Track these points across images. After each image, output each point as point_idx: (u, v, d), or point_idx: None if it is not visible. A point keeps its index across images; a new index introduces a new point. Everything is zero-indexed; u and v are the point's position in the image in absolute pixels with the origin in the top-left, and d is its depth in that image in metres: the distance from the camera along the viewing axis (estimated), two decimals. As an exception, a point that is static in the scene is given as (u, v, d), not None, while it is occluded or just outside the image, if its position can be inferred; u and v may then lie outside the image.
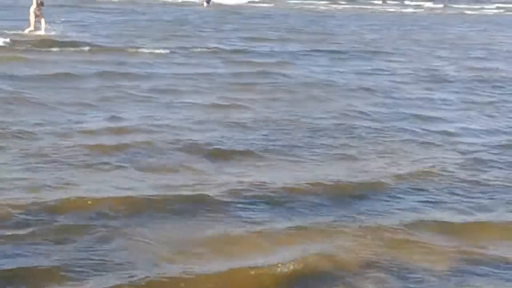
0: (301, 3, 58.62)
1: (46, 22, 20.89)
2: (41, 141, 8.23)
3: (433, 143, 9.28)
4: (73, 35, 20.31)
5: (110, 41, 19.28)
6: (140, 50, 17.68)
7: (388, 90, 13.64)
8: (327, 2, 62.53)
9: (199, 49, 18.60)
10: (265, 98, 12.13)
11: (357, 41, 23.54)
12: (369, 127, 10.05)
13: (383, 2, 70.20)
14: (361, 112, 11.14)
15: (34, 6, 20.84)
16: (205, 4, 43.74)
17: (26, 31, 20.68)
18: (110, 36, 20.79)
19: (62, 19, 23.00)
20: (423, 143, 9.31)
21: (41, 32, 20.58)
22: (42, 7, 20.93)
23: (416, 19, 42.26)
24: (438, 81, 15.33)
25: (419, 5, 66.43)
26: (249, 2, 58.12)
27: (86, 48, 17.36)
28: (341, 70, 16.29)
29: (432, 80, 15.39)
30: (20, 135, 8.42)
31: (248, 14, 37.83)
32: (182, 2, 50.53)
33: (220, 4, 48.37)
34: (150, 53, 17.30)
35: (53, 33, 20.43)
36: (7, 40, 17.20)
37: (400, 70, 16.67)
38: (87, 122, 9.41)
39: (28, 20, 20.91)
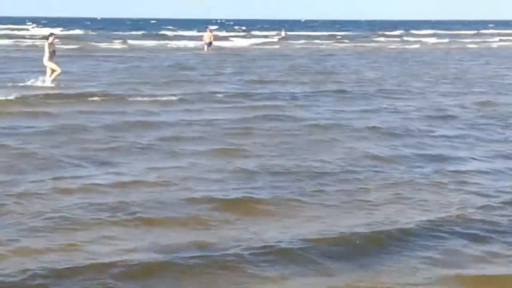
0: (304, 43, 59.10)
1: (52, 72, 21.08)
2: (44, 199, 8.12)
3: (445, 186, 9.07)
4: (79, 85, 20.37)
5: (114, 90, 19.25)
6: (143, 98, 17.66)
7: (393, 129, 13.53)
8: (330, 42, 63.13)
9: (201, 95, 18.60)
10: (270, 142, 12.02)
11: (359, 80, 23.57)
12: (378, 170, 9.91)
13: (384, 38, 70.85)
14: (367, 154, 11.01)
15: (47, 55, 21.03)
16: (205, 48, 43.87)
17: (52, 76, 20.89)
18: (114, 85, 20.80)
19: (66, 68, 23.11)
20: (434, 185, 9.13)
21: (48, 81, 20.76)
22: (54, 55, 21.17)
23: (418, 54, 42.43)
24: (443, 118, 15.23)
25: (420, 41, 66.97)
26: (251, 44, 58.68)
27: (92, 98, 17.31)
28: (344, 110, 16.25)
29: (437, 117, 15.29)
30: (23, 194, 8.31)
31: (250, 56, 38.05)
32: (183, 47, 50.98)
33: (221, 47, 48.70)
34: (153, 100, 17.28)
35: (61, 84, 20.59)
36: (17, 94, 17.13)
37: (404, 108, 16.60)
38: (92, 177, 9.29)
39: (46, 69, 21.16)
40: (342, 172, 9.76)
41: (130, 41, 57.96)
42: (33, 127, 13.11)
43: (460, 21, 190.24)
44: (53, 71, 20.97)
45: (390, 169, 9.99)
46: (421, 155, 11.10)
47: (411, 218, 7.63)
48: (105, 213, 7.62)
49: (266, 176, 9.46)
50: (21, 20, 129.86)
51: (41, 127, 13.08)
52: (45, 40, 21.79)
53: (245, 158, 10.70)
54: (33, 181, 8.93)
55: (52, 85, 20.51)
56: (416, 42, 65.25)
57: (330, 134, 12.85)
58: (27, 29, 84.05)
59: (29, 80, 20.77)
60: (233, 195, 8.47)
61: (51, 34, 22.15)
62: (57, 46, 21.40)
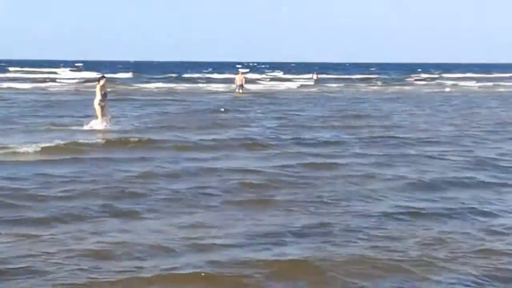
0: (341, 86, 58.65)
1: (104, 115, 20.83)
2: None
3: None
4: (120, 129, 20.22)
5: (151, 134, 18.73)
6: (185, 144, 17.07)
7: (439, 181, 12.65)
8: (364, 84, 62.73)
9: (240, 140, 17.92)
10: (314, 196, 11.24)
11: (394, 125, 22.91)
12: (431, 229, 9.08)
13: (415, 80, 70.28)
14: (416, 210, 10.19)
15: (98, 97, 20.75)
16: (238, 90, 44.20)
17: (93, 123, 20.55)
18: (150, 130, 20.20)
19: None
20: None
21: (103, 124, 20.51)
22: (106, 98, 20.86)
23: (450, 98, 41.74)
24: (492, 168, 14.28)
25: (456, 84, 66.28)
26: (286, 87, 58.46)
27: (157, 145, 16.81)
28: (376, 158, 15.31)
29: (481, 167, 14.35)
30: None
31: (284, 99, 37.65)
32: (215, 90, 50.99)
33: (254, 91, 48.68)
34: (193, 145, 16.75)
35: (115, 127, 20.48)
36: (59, 141, 16.57)
37: (448, 157, 15.71)
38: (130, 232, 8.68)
39: (95, 113, 20.86)
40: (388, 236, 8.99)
41: (164, 84, 58.15)
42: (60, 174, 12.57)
43: (494, 65, 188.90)
44: (102, 114, 20.66)
45: (452, 231, 9.08)
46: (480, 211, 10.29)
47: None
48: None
49: (316, 236, 8.72)
50: (49, 63, 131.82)
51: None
52: (97, 83, 21.38)
53: (294, 215, 9.92)
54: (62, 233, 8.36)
55: (103, 127, 20.32)
56: (453, 85, 64.70)
57: (372, 186, 12.00)
58: (58, 73, 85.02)
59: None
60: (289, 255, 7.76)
61: (103, 76, 21.61)
62: (108, 89, 21.10)
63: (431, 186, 12.04)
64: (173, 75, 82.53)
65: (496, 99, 40.54)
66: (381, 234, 8.69)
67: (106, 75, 23.11)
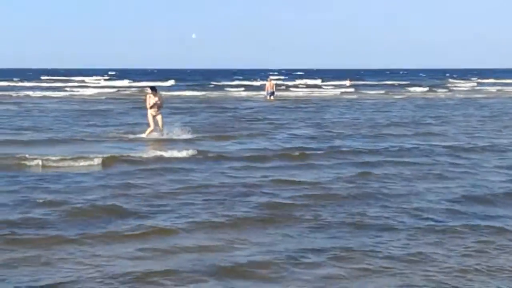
0: (378, 93, 58.30)
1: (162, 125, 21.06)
2: None
3: None
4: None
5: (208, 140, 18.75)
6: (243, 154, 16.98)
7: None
8: (401, 90, 62.18)
9: (283, 150, 17.72)
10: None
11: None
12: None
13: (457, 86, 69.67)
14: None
15: (148, 107, 20.99)
16: (269, 97, 44.61)
17: (146, 133, 20.81)
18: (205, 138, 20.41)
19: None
20: None
21: (152, 134, 20.76)
22: (160, 109, 21.05)
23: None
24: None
25: (502, 90, 65.46)
26: (321, 93, 58.36)
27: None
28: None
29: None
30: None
31: (315, 107, 37.56)
32: (246, 96, 51.18)
33: (279, 97, 48.79)
34: (242, 157, 16.67)
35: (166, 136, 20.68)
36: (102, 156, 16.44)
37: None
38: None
39: (147, 122, 21.12)
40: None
41: (198, 92, 58.33)
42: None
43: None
44: (154, 124, 20.94)
45: None
46: None
47: None
48: None
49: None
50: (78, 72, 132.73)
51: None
52: (147, 94, 21.65)
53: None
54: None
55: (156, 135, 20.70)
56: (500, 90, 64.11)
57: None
58: (90, 82, 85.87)
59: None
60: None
61: (150, 87, 21.87)
62: (158, 100, 21.24)
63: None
64: (204, 82, 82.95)
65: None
66: None
67: (154, 85, 23.60)
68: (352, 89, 65.27)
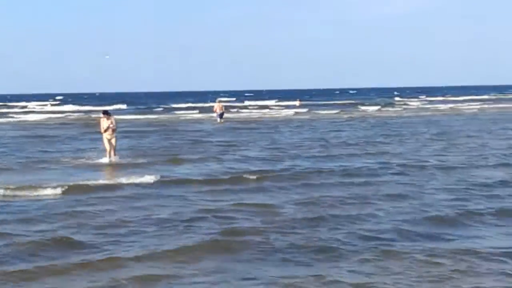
0: (330, 113, 58.64)
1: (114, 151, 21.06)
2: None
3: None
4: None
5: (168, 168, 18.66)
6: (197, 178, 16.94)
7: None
8: (336, 111, 62.75)
9: (231, 174, 17.61)
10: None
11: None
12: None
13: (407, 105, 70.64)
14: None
15: (102, 131, 21.00)
16: (218, 119, 44.69)
17: (104, 158, 20.81)
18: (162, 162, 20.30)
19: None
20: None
21: (108, 159, 20.79)
22: (114, 132, 21.03)
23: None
24: None
25: (454, 107, 66.48)
26: (270, 113, 58.51)
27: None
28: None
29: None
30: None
31: (267, 128, 37.62)
32: (195, 118, 51.13)
33: (232, 118, 48.81)
34: (191, 180, 16.57)
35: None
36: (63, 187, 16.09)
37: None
38: None
39: (104, 147, 21.13)
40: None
41: (140, 116, 57.94)
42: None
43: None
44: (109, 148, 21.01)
45: None
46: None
47: None
48: None
49: None
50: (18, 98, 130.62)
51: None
52: (101, 117, 21.68)
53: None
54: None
55: (108, 161, 20.74)
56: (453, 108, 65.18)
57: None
58: (34, 107, 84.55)
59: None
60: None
61: (103, 111, 22.02)
62: (111, 123, 21.15)
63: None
64: (153, 105, 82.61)
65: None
66: None
67: (106, 109, 23.53)
68: (305, 109, 65.57)
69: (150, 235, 10.54)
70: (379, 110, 64.81)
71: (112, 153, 20.98)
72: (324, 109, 66.06)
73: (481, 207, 12.49)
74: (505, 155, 21.10)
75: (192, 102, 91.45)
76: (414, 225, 11.01)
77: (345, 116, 52.86)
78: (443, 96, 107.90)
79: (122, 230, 10.86)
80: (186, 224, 11.29)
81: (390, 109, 67.46)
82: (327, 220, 11.50)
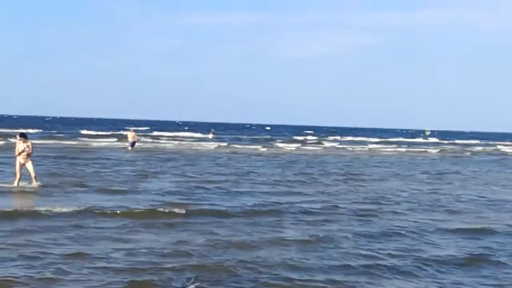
0: (243, 148, 58.75)
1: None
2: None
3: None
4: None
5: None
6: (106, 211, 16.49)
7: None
8: (260, 146, 63.15)
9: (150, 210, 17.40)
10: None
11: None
12: None
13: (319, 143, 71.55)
14: None
15: (19, 153, 20.48)
16: (129, 147, 44.88)
17: (14, 183, 20.28)
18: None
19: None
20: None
21: (17, 184, 20.27)
22: (29, 156, 20.50)
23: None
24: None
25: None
26: (182, 144, 58.19)
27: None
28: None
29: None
30: None
31: (190, 158, 37.49)
32: (105, 146, 50.39)
33: (148, 148, 48.40)
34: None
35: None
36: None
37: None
38: None
39: (15, 171, 20.61)
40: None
41: (56, 141, 56.72)
42: None
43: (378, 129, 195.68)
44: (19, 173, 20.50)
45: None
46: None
47: None
48: None
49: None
50: None
51: None
52: (18, 139, 21.06)
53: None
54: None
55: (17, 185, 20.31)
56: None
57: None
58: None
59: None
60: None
61: (23, 134, 21.47)
62: (27, 146, 20.61)
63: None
64: (61, 131, 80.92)
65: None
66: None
67: (24, 132, 22.88)
68: (225, 143, 65.27)
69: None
70: (301, 146, 65.54)
71: (33, 179, 20.41)
72: (245, 143, 66.39)
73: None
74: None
75: (103, 130, 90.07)
76: None
77: (270, 151, 53.25)
78: (353, 136, 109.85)
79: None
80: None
81: (311, 147, 68.28)
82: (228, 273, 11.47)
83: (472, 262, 12.00)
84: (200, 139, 73.29)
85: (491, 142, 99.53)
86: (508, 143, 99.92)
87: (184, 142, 65.00)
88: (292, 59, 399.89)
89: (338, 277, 10.34)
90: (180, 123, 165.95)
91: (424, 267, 11.41)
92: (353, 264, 11.32)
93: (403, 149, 66.90)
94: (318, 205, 18.60)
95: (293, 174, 29.93)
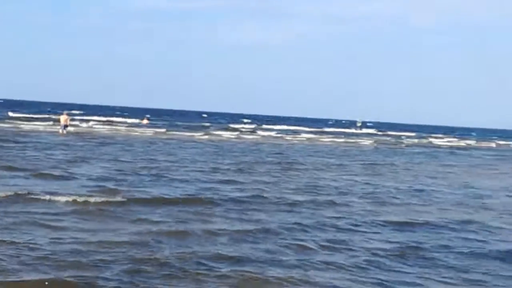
0: (186, 135, 58.25)
1: None
2: None
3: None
4: None
5: None
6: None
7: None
8: (202, 133, 62.85)
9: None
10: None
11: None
12: None
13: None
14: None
15: None
16: (61, 130, 44.43)
17: None
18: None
19: None
20: None
21: None
22: None
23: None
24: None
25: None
26: (115, 129, 57.37)
27: None
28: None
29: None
30: None
31: (120, 142, 36.95)
32: (36, 129, 49.34)
33: (79, 132, 47.73)
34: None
35: None
36: None
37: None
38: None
39: None
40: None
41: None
42: None
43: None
44: None
45: None
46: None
47: None
48: None
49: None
50: None
51: None
52: None
53: None
54: None
55: None
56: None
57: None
58: None
59: None
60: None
61: None
62: None
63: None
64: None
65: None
66: None
67: None
68: (162, 130, 64.38)
69: None
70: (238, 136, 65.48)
71: None
72: (181, 130, 65.84)
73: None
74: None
75: (34, 113, 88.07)
76: None
77: (203, 138, 52.98)
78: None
79: None
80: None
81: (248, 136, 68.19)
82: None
83: (403, 254, 12.11)
84: (134, 125, 72.44)
85: (424, 135, 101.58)
86: (440, 135, 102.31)
87: (118, 127, 64.11)
88: (234, 46, 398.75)
89: (267, 268, 10.27)
90: (116, 108, 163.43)
91: (354, 259, 11.45)
92: (283, 255, 11.29)
93: (340, 140, 67.59)
94: (249, 194, 18.52)
95: (229, 162, 29.81)
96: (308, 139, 67.11)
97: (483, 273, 11.06)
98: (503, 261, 12.08)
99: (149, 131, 59.04)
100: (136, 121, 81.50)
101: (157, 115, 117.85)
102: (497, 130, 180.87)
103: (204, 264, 10.26)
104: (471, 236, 14.40)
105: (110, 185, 18.59)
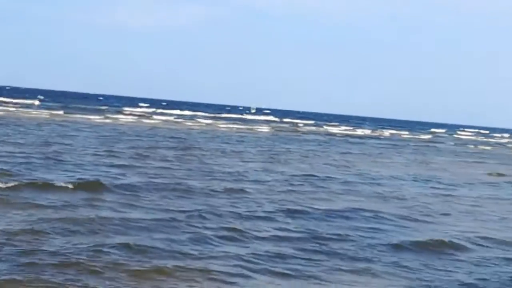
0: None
1: None
2: None
3: None
4: None
5: None
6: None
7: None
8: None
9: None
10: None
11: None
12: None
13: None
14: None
15: None
16: None
17: None
18: None
19: None
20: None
21: None
22: None
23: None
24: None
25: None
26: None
27: None
28: None
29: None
30: None
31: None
32: None
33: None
34: None
35: None
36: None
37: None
38: None
39: None
40: None
41: None
42: None
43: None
44: None
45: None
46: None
47: None
48: None
49: None
50: None
51: None
52: None
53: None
54: None
55: None
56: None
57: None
58: None
59: None
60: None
61: None
62: None
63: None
64: None
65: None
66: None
67: None
68: (61, 112, 62.14)
69: None
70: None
71: None
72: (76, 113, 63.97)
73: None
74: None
75: None
76: None
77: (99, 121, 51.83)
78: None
79: None
80: None
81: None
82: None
83: (298, 241, 12.22)
84: (25, 105, 69.88)
85: (320, 123, 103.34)
86: (335, 123, 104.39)
87: (9, 108, 61.75)
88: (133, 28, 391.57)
89: (159, 255, 10.13)
90: (8, 88, 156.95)
91: (249, 248, 11.46)
92: (178, 244, 11.16)
93: (239, 126, 67.73)
94: (144, 179, 18.23)
95: (125, 146, 29.24)
96: (207, 124, 66.94)
97: (372, 261, 11.34)
98: (394, 248, 12.44)
99: (46, 113, 57.14)
100: (28, 102, 78.59)
101: (51, 97, 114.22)
102: (391, 120, 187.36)
103: (98, 252, 9.98)
104: (363, 224, 14.75)
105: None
